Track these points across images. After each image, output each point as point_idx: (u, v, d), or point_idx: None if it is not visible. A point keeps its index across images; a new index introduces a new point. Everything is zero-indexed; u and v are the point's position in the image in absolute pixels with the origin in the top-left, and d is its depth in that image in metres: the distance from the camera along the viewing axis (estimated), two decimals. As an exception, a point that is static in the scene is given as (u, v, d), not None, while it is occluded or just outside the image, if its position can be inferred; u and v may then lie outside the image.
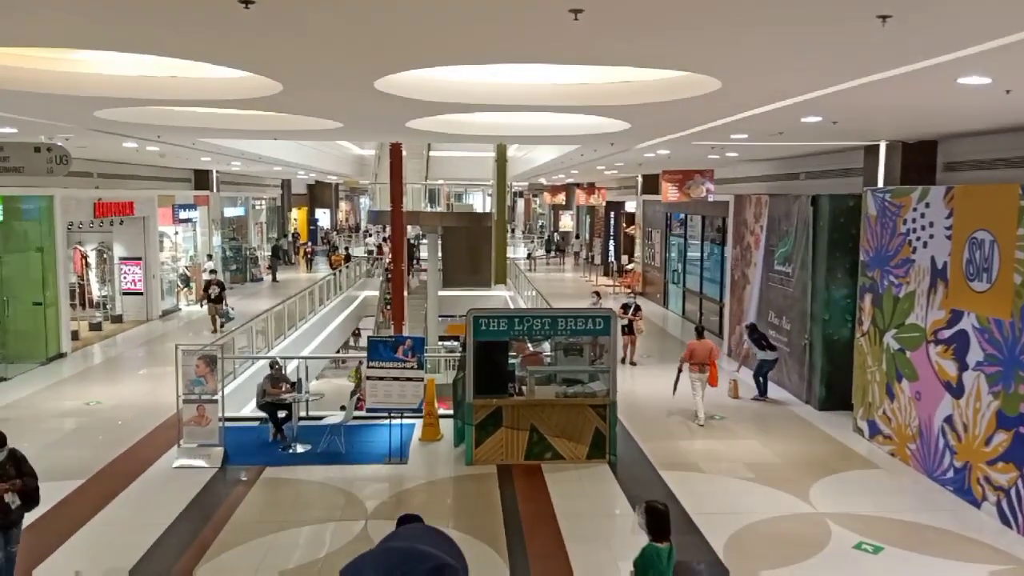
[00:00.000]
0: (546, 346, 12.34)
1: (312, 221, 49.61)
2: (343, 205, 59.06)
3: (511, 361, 11.17)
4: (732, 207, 17.09)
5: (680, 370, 12.44)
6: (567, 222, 48.50)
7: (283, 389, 11.38)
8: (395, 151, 13.94)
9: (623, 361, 15.57)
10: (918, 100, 7.18)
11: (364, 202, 57.95)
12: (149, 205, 21.54)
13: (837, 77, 5.74)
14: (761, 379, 13.77)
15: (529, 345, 12.05)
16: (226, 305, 21.10)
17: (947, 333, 9.73)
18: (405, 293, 16.46)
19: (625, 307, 16.71)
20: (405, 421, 11.41)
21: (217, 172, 27.32)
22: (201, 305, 22.09)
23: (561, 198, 38.84)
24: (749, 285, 16.23)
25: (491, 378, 10.48)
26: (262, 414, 11.76)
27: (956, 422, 9.57)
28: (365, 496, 9.48)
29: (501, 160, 18.52)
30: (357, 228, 54.76)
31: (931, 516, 8.98)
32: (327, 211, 52.20)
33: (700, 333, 13.10)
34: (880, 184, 12.44)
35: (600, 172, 26.78)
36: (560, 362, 11.33)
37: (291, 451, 10.96)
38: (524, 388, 10.84)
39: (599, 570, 7.73)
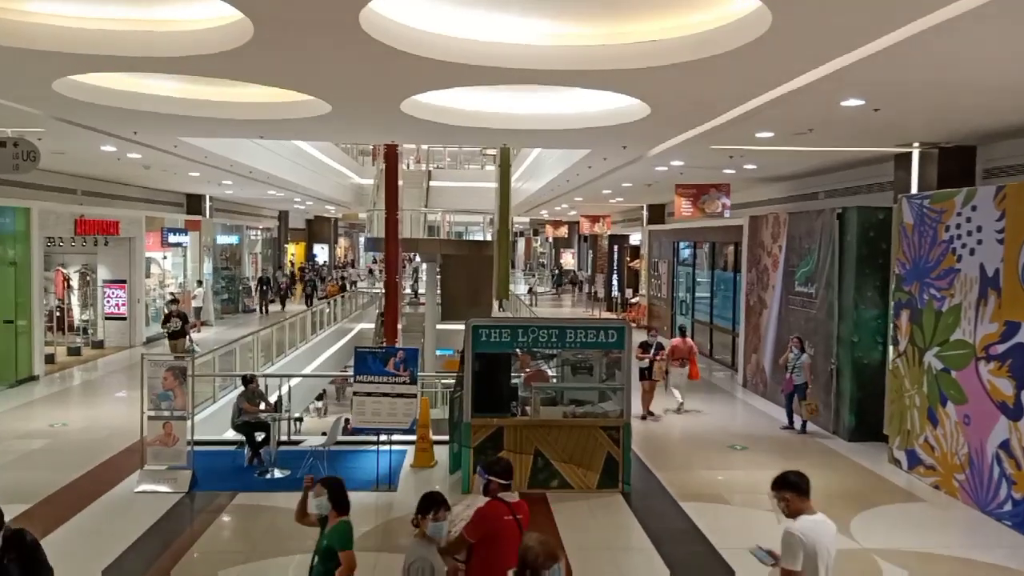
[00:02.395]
0: (551, 367, 11.33)
1: (309, 257, 48.83)
2: (342, 241, 58.32)
3: (514, 379, 10.18)
4: (747, 229, 16.21)
5: (666, 365, 13.59)
6: (569, 259, 47.78)
7: (260, 407, 10.33)
8: (390, 153, 13.12)
9: (643, 418, 12.96)
10: (988, 69, 6.30)
11: (363, 240, 57.20)
12: (136, 226, 20.62)
13: (908, 12, 4.85)
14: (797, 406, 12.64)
15: (531, 363, 10.98)
16: (190, 341, 18.04)
17: (1001, 348, 8.71)
18: (399, 310, 15.39)
19: (644, 346, 13.46)
20: (395, 447, 10.39)
21: (211, 198, 26.58)
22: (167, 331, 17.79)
23: (564, 231, 38.09)
24: (766, 310, 15.24)
25: (492, 395, 9.44)
26: (238, 437, 10.69)
27: (1014, 448, 8.51)
28: (347, 525, 8.35)
29: (504, 165, 17.72)
30: (354, 264, 53.93)
31: (988, 553, 7.90)
32: (325, 247, 51.40)
33: (683, 332, 14.67)
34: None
35: (605, 201, 26.01)
36: (567, 381, 10.31)
37: (268, 476, 9.87)
38: (528, 409, 9.81)
39: (616, 611, 6.62)
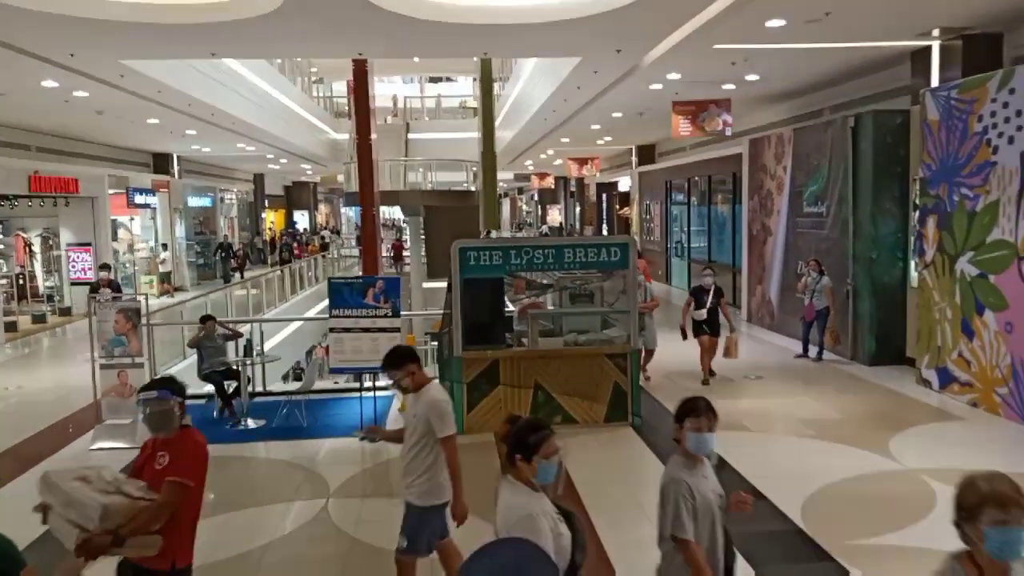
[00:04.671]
0: (548, 300, 10.41)
1: (290, 223, 47.50)
2: (322, 208, 56.92)
3: (508, 312, 9.27)
4: (747, 153, 15.26)
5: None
6: (555, 215, 46.67)
7: (217, 331, 9.33)
8: (359, 71, 11.98)
9: (705, 382, 10.40)
10: None
11: (343, 202, 55.89)
12: (98, 184, 19.41)
13: None
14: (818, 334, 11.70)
15: (525, 291, 10.06)
16: None
17: (1049, 243, 7.83)
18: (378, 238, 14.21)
19: (698, 292, 10.44)
20: (380, 394, 9.46)
21: (179, 158, 25.30)
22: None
23: (550, 182, 37.03)
24: (771, 237, 14.32)
25: (484, 326, 8.48)
26: (207, 390, 9.74)
27: (1067, 353, 7.67)
28: (328, 472, 7.46)
29: (486, 81, 16.58)
30: (336, 232, 52.65)
31: (1044, 470, 7.05)
32: (305, 213, 50.02)
33: (638, 255, 13.80)
34: (933, 94, 10.57)
35: (592, 143, 24.94)
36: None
37: (241, 427, 8.93)
38: (525, 341, 8.89)
39: (641, 546, 5.74)
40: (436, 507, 4.52)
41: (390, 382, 4.59)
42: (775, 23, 8.87)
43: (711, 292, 10.31)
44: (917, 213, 10.19)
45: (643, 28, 8.95)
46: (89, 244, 19.55)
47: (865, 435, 8.02)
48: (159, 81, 11.86)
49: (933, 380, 9.72)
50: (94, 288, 13.71)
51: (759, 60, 11.08)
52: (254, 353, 9.43)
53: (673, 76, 12.12)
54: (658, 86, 12.94)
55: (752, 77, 12.31)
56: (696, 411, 3.37)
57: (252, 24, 8.21)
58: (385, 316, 8.45)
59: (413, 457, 4.48)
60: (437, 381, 4.68)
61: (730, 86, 13.09)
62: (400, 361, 4.48)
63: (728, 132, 13.25)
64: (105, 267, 15.07)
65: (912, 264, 10.71)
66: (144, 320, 8.80)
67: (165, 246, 24.00)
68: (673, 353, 11.20)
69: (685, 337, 10.42)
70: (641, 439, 8.17)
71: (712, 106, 12.75)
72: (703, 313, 10.23)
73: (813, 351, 11.75)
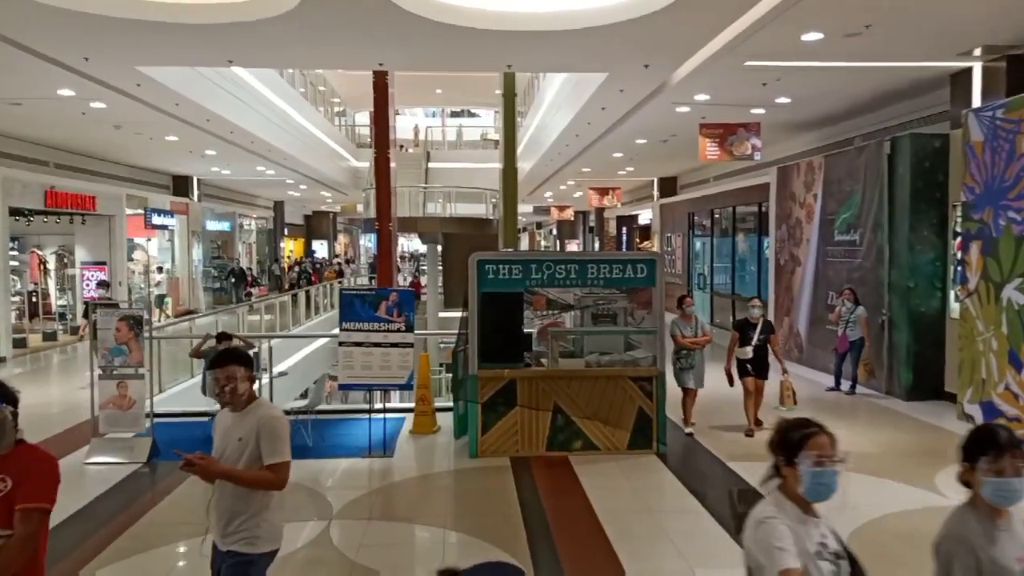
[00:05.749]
0: (568, 320, 9.95)
1: (309, 252, 47.50)
2: (341, 238, 56.95)
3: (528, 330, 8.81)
4: (775, 182, 14.85)
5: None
6: (573, 250, 46.38)
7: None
8: (379, 83, 11.75)
9: (749, 433, 8.93)
10: None
11: (362, 232, 55.87)
12: (115, 203, 19.28)
13: None
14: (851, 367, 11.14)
15: (545, 314, 9.59)
16: None
17: (1108, 268, 7.33)
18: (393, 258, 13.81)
19: (742, 326, 9.20)
20: (391, 416, 9.06)
21: (199, 182, 25.24)
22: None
23: (569, 214, 36.75)
24: (800, 267, 13.83)
25: (502, 343, 8.05)
26: (211, 408, 9.32)
27: None
28: (332, 493, 7.03)
29: (509, 95, 16.31)
30: (349, 261, 52.61)
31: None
32: (324, 243, 50.02)
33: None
34: (974, 117, 10.14)
35: (613, 173, 24.66)
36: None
37: (244, 446, 8.49)
38: (544, 361, 8.44)
39: (669, 581, 5.24)
40: (269, 554, 3.62)
41: (216, 388, 3.58)
42: (812, 36, 8.50)
43: (758, 327, 9.09)
44: (958, 239, 9.72)
45: (673, 39, 8.61)
46: (104, 263, 19.37)
47: (908, 469, 7.49)
48: (176, 92, 11.67)
49: (977, 415, 9.13)
50: (87, 311, 13.34)
51: (792, 80, 10.71)
52: (260, 368, 9.01)
53: (701, 97, 11.77)
54: (685, 108, 12.60)
55: (783, 99, 11.93)
56: (997, 447, 2.52)
57: (269, 26, 7.96)
58: (398, 331, 8.05)
59: (236, 491, 3.52)
60: (264, 399, 3.90)
61: (759, 110, 12.72)
62: (245, 358, 3.64)
63: (757, 156, 12.84)
64: (103, 284, 14.80)
65: (952, 294, 10.21)
66: (147, 332, 8.45)
67: (160, 269, 23.68)
68: (713, 394, 9.80)
69: (732, 383, 9.18)
70: (667, 467, 7.67)
71: (741, 129, 12.36)
72: (748, 351, 8.98)
73: (846, 384, 11.21)
